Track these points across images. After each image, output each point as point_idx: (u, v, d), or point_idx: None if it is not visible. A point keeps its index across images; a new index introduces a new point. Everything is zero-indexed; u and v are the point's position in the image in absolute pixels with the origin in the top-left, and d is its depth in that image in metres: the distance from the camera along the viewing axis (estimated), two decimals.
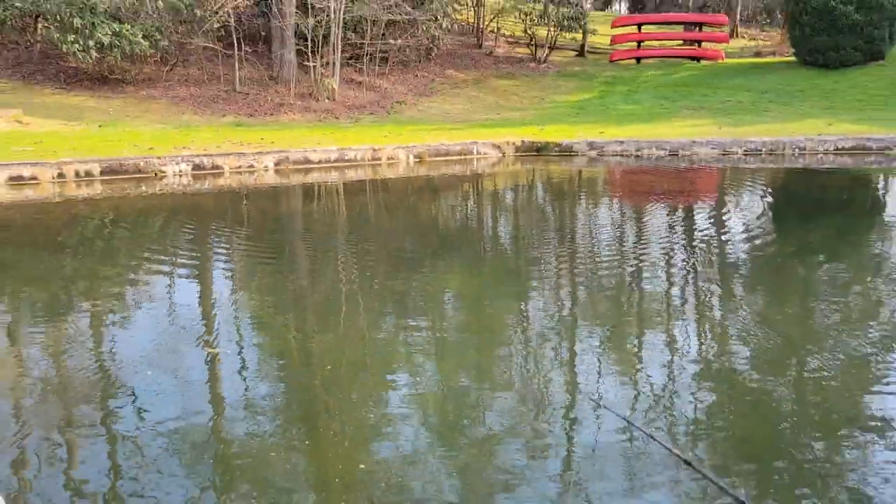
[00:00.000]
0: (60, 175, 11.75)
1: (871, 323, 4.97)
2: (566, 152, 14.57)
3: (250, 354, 4.60)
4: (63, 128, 15.46)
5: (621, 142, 14.60)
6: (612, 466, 3.15)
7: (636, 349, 4.62)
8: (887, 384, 3.97)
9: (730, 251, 7.18)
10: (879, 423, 3.49)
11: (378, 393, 4.00)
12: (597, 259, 6.87)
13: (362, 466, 3.21)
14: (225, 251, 7.52)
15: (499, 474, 3.12)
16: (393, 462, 3.24)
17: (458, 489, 3.04)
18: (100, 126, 15.80)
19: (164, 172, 12.32)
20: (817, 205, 9.92)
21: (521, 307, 5.52)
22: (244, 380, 4.17)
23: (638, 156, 14.37)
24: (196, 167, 12.56)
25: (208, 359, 4.49)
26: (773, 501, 2.88)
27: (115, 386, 4.08)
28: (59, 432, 3.59)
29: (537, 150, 14.74)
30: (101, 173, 12.02)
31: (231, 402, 3.88)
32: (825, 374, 4.11)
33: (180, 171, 12.45)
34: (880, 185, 11.66)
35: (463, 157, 14.37)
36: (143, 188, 11.36)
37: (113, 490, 3.06)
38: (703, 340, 4.75)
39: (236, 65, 19.58)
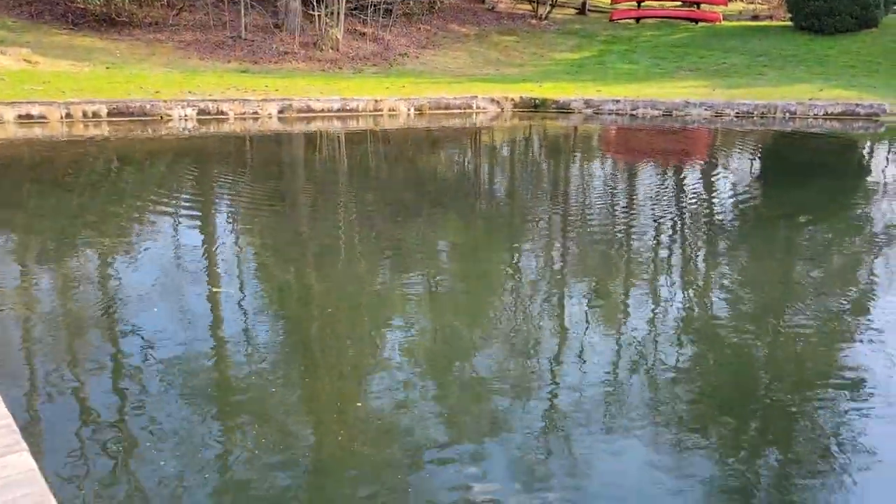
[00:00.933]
0: (68, 115, 12.05)
1: (850, 282, 5.28)
2: (563, 109, 14.87)
3: (251, 294, 4.80)
4: (71, 68, 15.67)
5: (617, 101, 14.90)
6: (595, 410, 3.32)
7: (620, 301, 4.92)
8: (862, 341, 4.17)
9: (716, 210, 7.55)
10: (851, 378, 3.68)
11: (374, 335, 4.24)
12: (586, 215, 7.25)
13: (359, 404, 3.36)
14: (228, 195, 7.84)
15: (487, 415, 3.29)
16: (387, 401, 3.38)
17: (448, 428, 3.19)
18: (107, 68, 16.01)
19: (169, 116, 12.61)
20: (804, 168, 10.28)
21: (514, 257, 5.89)
22: (245, 319, 4.35)
23: (633, 115, 14.68)
24: (201, 112, 12.85)
25: (211, 296, 4.71)
26: (744, 450, 3.02)
27: (121, 321, 4.25)
28: (68, 365, 3.72)
29: (535, 107, 15.03)
30: (109, 114, 12.31)
31: (232, 340, 4.04)
32: (802, 329, 4.34)
33: (186, 115, 12.74)
34: (866, 150, 12.03)
35: (462, 110, 14.67)
36: (150, 130, 11.67)
37: (119, 420, 3.19)
38: (685, 294, 5.02)
39: (242, 11, 19.67)
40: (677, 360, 3.93)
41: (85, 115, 12.16)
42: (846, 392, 3.59)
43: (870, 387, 3.61)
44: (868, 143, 12.59)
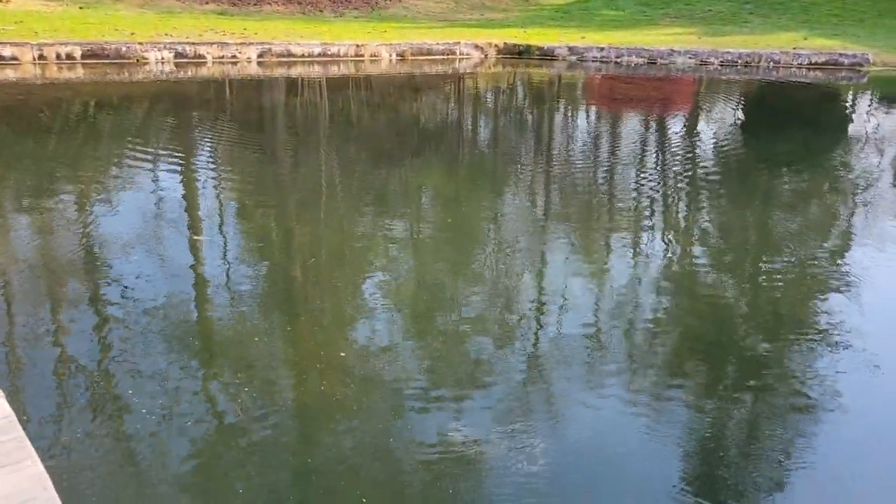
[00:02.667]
0: (41, 56, 11.76)
1: (827, 230, 5.36)
2: (547, 56, 14.71)
3: (233, 242, 4.78)
4: (44, 8, 15.24)
5: (601, 48, 14.75)
6: (574, 358, 3.36)
7: (600, 249, 4.96)
8: (836, 290, 4.24)
9: (697, 159, 7.57)
10: (825, 326, 3.75)
11: (356, 283, 4.26)
12: (567, 164, 7.24)
13: (342, 354, 3.36)
14: (208, 141, 7.74)
15: (468, 362, 3.33)
16: (369, 349, 3.39)
17: (430, 375, 3.23)
18: (80, 7, 15.58)
19: (146, 59, 12.34)
20: (786, 117, 10.29)
21: (495, 205, 5.89)
22: (226, 266, 4.33)
23: (617, 62, 14.56)
24: (178, 55, 12.58)
25: (191, 243, 4.68)
26: (719, 398, 3.08)
27: (100, 268, 4.24)
28: (48, 311, 3.71)
29: (519, 53, 14.86)
30: (83, 56, 12.03)
31: (212, 287, 4.03)
32: (778, 278, 4.42)
33: (162, 58, 12.47)
34: (848, 100, 12.05)
35: (445, 56, 14.47)
36: (126, 74, 11.43)
37: (100, 366, 3.20)
38: (664, 244, 5.04)
39: None
40: (655, 308, 3.98)
41: (59, 56, 11.87)
42: (819, 339, 3.66)
43: (842, 334, 3.69)
44: (850, 94, 12.60)
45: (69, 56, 11.94)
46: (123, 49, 12.23)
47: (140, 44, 12.39)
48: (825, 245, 5.06)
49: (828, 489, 2.60)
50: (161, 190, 5.83)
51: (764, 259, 4.80)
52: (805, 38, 15.64)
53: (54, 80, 10.79)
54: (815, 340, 3.66)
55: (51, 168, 6.35)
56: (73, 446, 2.65)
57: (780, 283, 4.38)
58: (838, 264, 4.70)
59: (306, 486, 2.53)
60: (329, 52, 13.62)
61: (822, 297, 4.21)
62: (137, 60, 12.25)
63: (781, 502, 2.53)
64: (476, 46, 14.79)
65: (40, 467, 1.98)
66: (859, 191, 6.39)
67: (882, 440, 2.87)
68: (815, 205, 5.99)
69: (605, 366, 3.36)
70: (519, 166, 7.06)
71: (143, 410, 2.87)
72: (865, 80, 13.43)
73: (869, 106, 11.39)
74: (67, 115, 8.64)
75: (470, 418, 2.92)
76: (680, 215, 5.74)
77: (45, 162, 6.52)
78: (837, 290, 4.27)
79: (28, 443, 2.05)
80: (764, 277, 4.49)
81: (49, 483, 1.91)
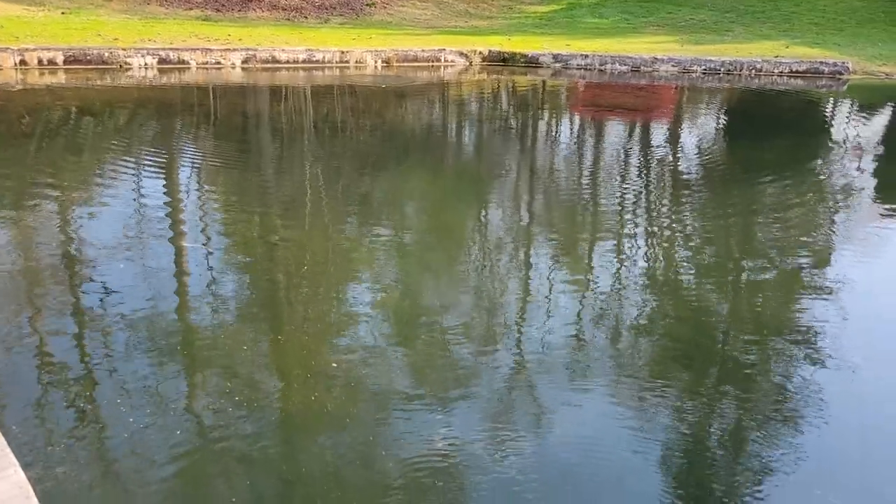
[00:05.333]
0: (23, 62, 11.66)
1: (809, 237, 5.42)
2: (532, 64, 14.77)
3: (217, 248, 4.77)
4: (25, 13, 15.12)
5: (586, 56, 14.83)
6: (559, 363, 3.39)
7: (584, 255, 5.00)
8: (817, 295, 4.30)
9: (680, 167, 7.64)
10: (805, 331, 3.80)
11: (341, 289, 4.27)
12: (551, 172, 7.28)
13: (326, 357, 3.40)
14: (192, 148, 7.72)
15: (453, 368, 3.34)
16: (354, 355, 3.39)
17: (415, 381, 3.25)
18: (62, 13, 15.48)
19: (129, 65, 12.28)
20: (768, 125, 10.40)
21: (480, 212, 5.92)
22: (211, 273, 4.32)
23: (601, 70, 14.65)
24: (162, 61, 12.53)
25: (177, 250, 4.67)
26: (702, 399, 3.13)
27: (83, 275, 4.21)
28: (28, 317, 3.69)
29: (503, 61, 14.91)
30: (65, 62, 11.95)
31: (197, 294, 4.01)
32: (760, 283, 4.48)
33: (146, 63, 12.41)
34: (828, 108, 12.18)
35: (430, 63, 14.50)
36: (109, 79, 11.36)
37: (82, 373, 3.18)
38: (648, 250, 5.11)
39: None
40: (639, 313, 4.02)
41: (40, 62, 11.79)
42: (800, 343, 3.70)
43: (822, 339, 3.74)
44: (831, 101, 12.75)
45: (51, 62, 11.86)
46: (106, 54, 12.16)
47: (123, 49, 12.32)
48: (807, 250, 5.11)
49: (805, 488, 2.63)
50: (143, 198, 5.80)
51: (744, 264, 4.84)
52: (786, 47, 15.82)
53: (36, 85, 10.71)
54: (795, 343, 3.70)
55: (31, 175, 6.29)
56: (54, 454, 2.63)
57: (759, 288, 4.43)
58: (818, 269, 4.76)
59: (290, 492, 2.53)
60: (314, 59, 13.61)
61: (802, 301, 4.26)
62: (121, 66, 12.19)
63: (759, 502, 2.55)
64: (461, 53, 14.84)
65: (22, 475, 1.96)
66: (840, 197, 6.46)
67: (860, 441, 2.90)
68: (795, 211, 6.05)
69: (587, 367, 3.39)
70: (502, 174, 7.09)
71: (126, 416, 2.85)
72: (845, 87, 13.60)
73: (849, 113, 11.52)
74: (49, 121, 8.58)
75: (455, 421, 2.93)
76: (663, 223, 5.79)
77: (25, 169, 6.46)
78: (817, 295, 4.32)
79: (9, 451, 2.04)
80: (744, 282, 4.54)
81: (31, 491, 1.90)
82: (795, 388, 3.29)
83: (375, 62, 14.03)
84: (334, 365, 3.36)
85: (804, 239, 5.38)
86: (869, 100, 12.92)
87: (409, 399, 3.10)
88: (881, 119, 11.20)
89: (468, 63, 14.83)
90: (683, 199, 6.33)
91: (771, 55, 14.93)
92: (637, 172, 7.26)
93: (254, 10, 18.34)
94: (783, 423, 3.02)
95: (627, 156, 8.02)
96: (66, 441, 2.70)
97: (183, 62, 12.64)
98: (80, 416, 2.87)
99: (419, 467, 2.66)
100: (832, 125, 10.55)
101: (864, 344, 3.75)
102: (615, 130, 9.58)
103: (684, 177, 7.20)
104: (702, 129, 9.76)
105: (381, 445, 2.78)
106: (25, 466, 2.09)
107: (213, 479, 2.56)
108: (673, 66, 14.62)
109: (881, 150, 8.75)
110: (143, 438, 2.73)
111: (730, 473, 2.71)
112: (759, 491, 2.61)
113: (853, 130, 9.95)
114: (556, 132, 9.52)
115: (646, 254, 5.01)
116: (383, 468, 2.66)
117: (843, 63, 14.39)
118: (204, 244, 4.84)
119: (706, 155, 8.12)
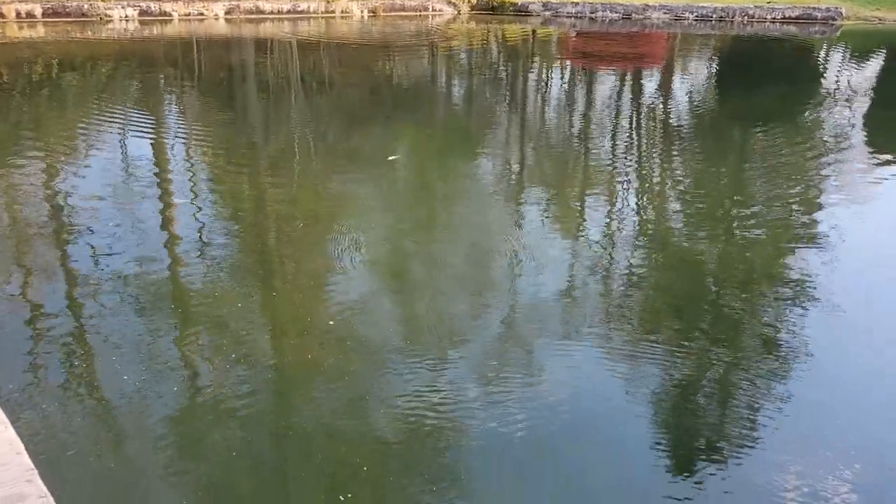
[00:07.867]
0: (1, 15, 11.37)
1: (799, 185, 5.37)
2: (521, 12, 14.52)
3: (206, 204, 4.70)
4: None
5: (576, 3, 14.58)
6: (550, 314, 3.37)
7: (575, 205, 4.93)
8: (807, 244, 4.28)
9: (672, 116, 7.55)
10: (793, 280, 3.80)
11: (331, 244, 4.20)
12: (542, 121, 7.18)
13: (317, 312, 3.39)
14: (177, 102, 7.55)
15: (444, 321, 3.31)
16: (346, 310, 3.35)
17: (406, 334, 3.23)
18: None
19: (109, 17, 11.98)
20: (760, 72, 10.27)
21: (471, 163, 5.83)
22: (200, 229, 4.25)
23: (592, 18, 14.42)
24: (143, 12, 12.23)
25: (165, 207, 4.62)
26: (696, 355, 3.09)
27: (72, 231, 4.14)
28: (20, 275, 3.64)
29: (492, 9, 14.65)
30: (44, 15, 11.65)
31: (188, 250, 3.95)
32: (751, 232, 4.45)
33: (127, 15, 12.12)
34: (821, 55, 12.05)
35: (418, 13, 14.22)
36: (89, 32, 11.09)
37: (75, 329, 3.14)
38: (639, 200, 5.05)
39: None
40: (630, 263, 4.00)
41: (18, 14, 11.49)
42: (788, 293, 3.69)
43: (810, 288, 3.74)
44: (824, 48, 12.61)
45: (29, 14, 11.56)
46: (86, 6, 11.86)
47: (103, 1, 12.02)
48: (796, 199, 5.08)
49: (796, 442, 2.63)
50: (129, 154, 5.68)
51: (736, 212, 4.82)
52: None
53: (14, 38, 10.44)
54: (785, 294, 3.70)
55: (13, 131, 6.15)
56: (45, 411, 2.60)
57: (749, 235, 4.41)
58: (808, 217, 4.74)
59: (285, 445, 2.51)
60: (299, 9, 13.32)
61: (792, 249, 4.25)
62: (101, 18, 11.90)
63: (750, 455, 2.55)
64: (449, 2, 14.56)
65: (12, 432, 1.93)
66: (830, 145, 6.42)
67: (848, 389, 2.91)
68: (786, 159, 5.99)
69: (581, 318, 3.37)
70: (493, 125, 6.99)
71: (118, 372, 2.82)
72: (838, 33, 13.44)
73: (842, 59, 11.40)
74: (30, 76, 8.36)
75: (447, 379, 2.91)
76: (654, 171, 5.74)
77: (7, 124, 6.31)
78: (806, 243, 4.32)
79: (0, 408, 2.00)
80: (735, 229, 4.53)
81: (21, 447, 1.87)
82: (783, 338, 3.29)
83: (362, 12, 13.75)
84: (326, 320, 3.33)
85: (795, 187, 5.34)
86: (862, 45, 12.78)
87: (400, 354, 3.08)
88: (874, 65, 11.08)
89: (456, 12, 14.56)
90: (674, 148, 6.27)
91: (763, 1, 14.72)
92: (628, 122, 7.17)
93: None
94: (771, 373, 3.01)
95: (619, 105, 7.92)
96: (56, 398, 2.67)
97: (165, 13, 12.34)
98: (67, 369, 2.83)
99: (414, 418, 2.65)
100: (825, 72, 10.44)
101: (855, 289, 3.74)
102: (607, 80, 9.46)
103: (675, 126, 7.12)
104: (694, 78, 9.64)
105: (373, 400, 2.76)
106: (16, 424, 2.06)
107: (208, 432, 2.54)
108: (664, 13, 14.40)
109: (874, 96, 8.68)
110: (139, 392, 2.70)
111: (721, 421, 2.71)
112: (751, 444, 2.62)
113: (846, 76, 9.85)
114: (546, 83, 9.38)
115: (637, 203, 4.97)
116: (376, 420, 2.65)
117: (836, 8, 14.20)
118: (193, 196, 4.75)
119: (697, 104, 8.03)
